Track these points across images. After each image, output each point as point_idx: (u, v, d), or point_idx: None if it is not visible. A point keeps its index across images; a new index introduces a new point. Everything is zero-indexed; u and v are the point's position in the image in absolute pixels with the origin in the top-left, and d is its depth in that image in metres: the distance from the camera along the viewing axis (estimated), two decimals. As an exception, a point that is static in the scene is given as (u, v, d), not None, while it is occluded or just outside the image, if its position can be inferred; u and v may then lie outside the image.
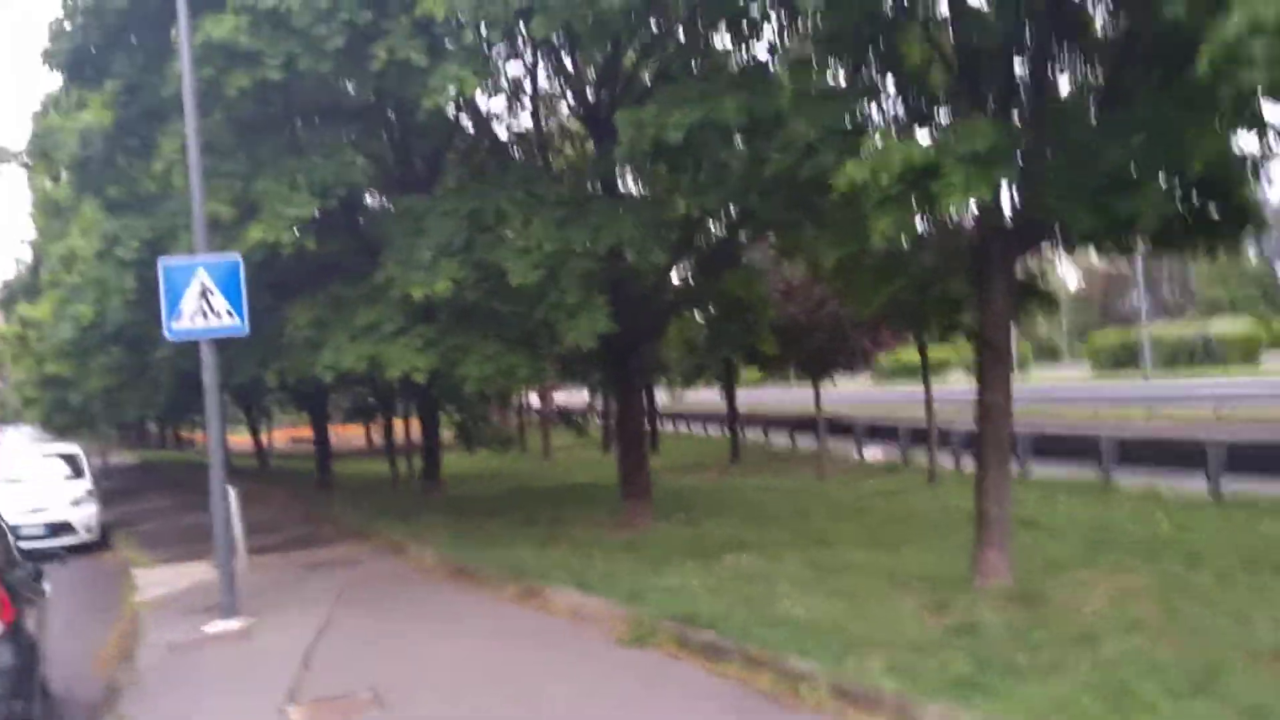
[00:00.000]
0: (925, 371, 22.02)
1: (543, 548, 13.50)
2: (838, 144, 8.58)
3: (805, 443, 32.83)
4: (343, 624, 9.70)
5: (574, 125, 18.05)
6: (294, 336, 13.30)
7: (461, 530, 15.37)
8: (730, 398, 32.60)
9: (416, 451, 33.48)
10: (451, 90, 10.84)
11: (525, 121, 17.66)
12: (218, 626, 10.06)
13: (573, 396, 56.90)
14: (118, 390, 21.73)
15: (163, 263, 10.30)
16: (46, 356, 18.38)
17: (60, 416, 30.61)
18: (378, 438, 51.50)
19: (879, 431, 29.21)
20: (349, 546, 14.91)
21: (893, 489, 20.80)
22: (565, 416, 35.41)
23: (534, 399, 49.22)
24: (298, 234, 11.70)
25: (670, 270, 14.90)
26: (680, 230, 13.45)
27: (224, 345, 11.00)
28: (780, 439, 35.17)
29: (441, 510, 18.66)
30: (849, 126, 8.70)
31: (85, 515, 18.05)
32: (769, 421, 36.72)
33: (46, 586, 8.52)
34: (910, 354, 34.64)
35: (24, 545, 17.70)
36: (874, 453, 28.95)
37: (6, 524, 8.29)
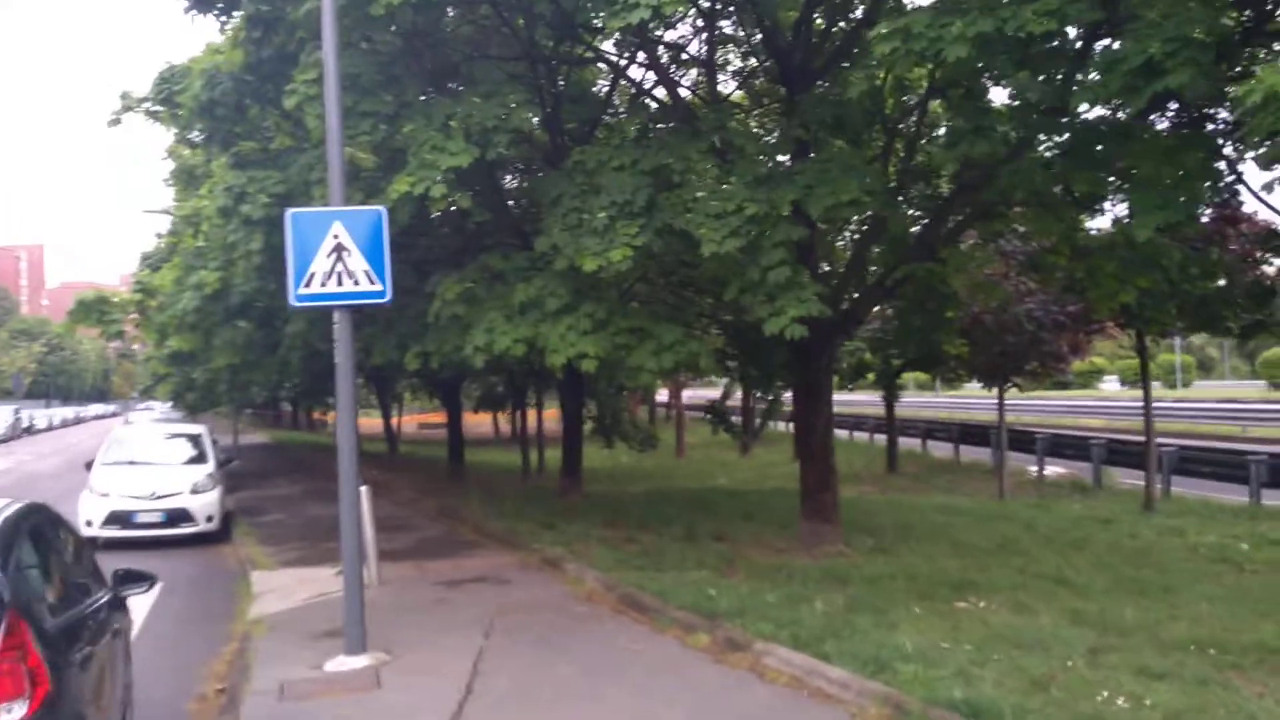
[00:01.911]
0: (1145, 378, 18.98)
1: (720, 574, 11.32)
2: (1197, 56, 6.11)
3: (970, 454, 30.00)
4: (498, 675, 7.62)
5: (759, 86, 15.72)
6: (440, 314, 11.33)
7: (617, 544, 13.29)
8: (889, 402, 29.84)
9: (548, 443, 31.99)
10: (645, 11, 8.59)
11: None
12: (342, 665, 8.11)
13: (698, 391, 54.74)
14: (245, 369, 20.26)
15: (291, 214, 8.36)
16: (169, 329, 16.95)
17: (190, 395, 29.65)
18: (504, 426, 50.74)
19: (1062, 445, 26.16)
20: (493, 557, 12.93)
21: (1101, 515, 18.06)
22: (717, 414, 33.10)
23: (662, 392, 47.45)
24: (450, 189, 9.65)
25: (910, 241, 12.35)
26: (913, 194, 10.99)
27: (360, 322, 9.08)
28: (939, 449, 32.29)
29: (586, 515, 16.66)
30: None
31: (206, 503, 16.57)
32: (930, 429, 33.74)
33: (148, 590, 6.68)
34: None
35: (139, 534, 16.53)
36: (1053, 469, 25.95)
37: (73, 535, 6.38)
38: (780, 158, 11.04)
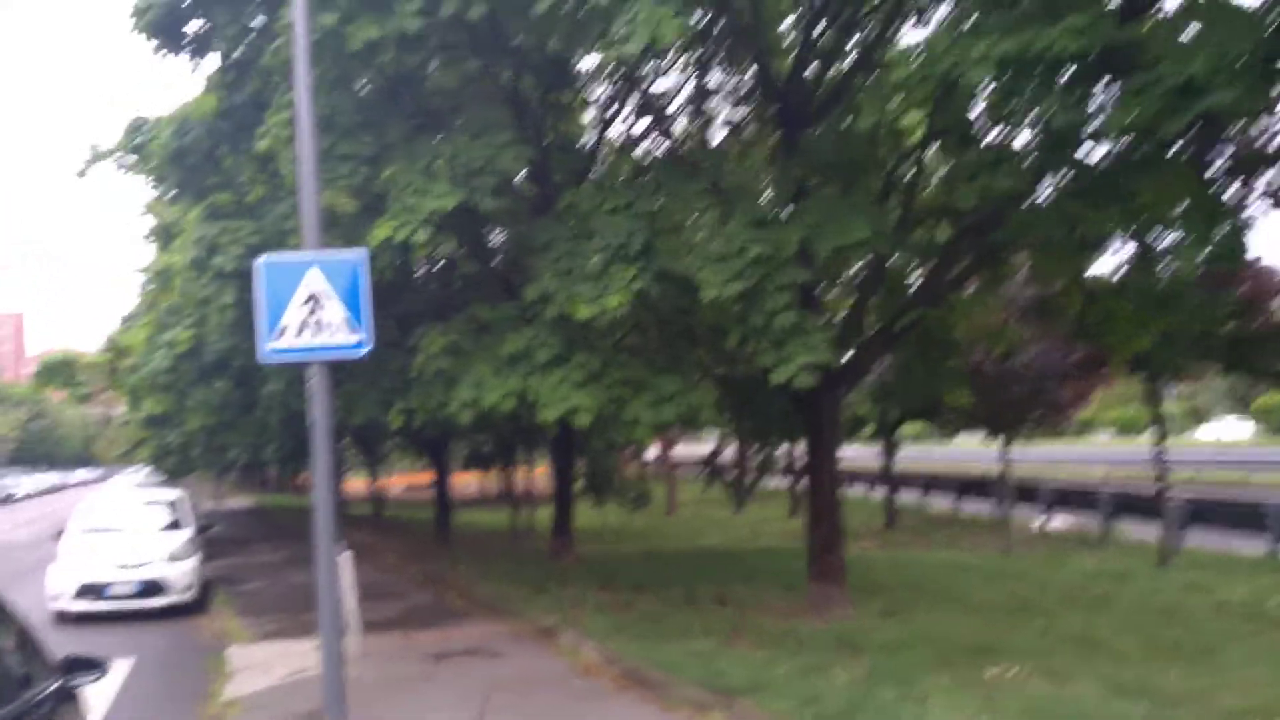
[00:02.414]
0: (1161, 424, 18.39)
1: (728, 643, 10.60)
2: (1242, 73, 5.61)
3: (970, 507, 29.32)
4: (489, 764, 6.90)
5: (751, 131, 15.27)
6: (425, 369, 10.71)
7: (614, 610, 12.57)
8: (887, 455, 29.18)
9: (537, 502, 31.18)
10: (639, 42, 8.07)
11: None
12: (319, 757, 7.36)
13: (688, 447, 53.81)
14: (221, 430, 19.45)
15: (262, 262, 7.75)
16: (141, 390, 16.17)
17: (170, 459, 28.77)
18: (490, 485, 49.77)
19: (1067, 497, 25.52)
20: (483, 627, 12.16)
21: (1115, 570, 17.32)
22: (713, 469, 32.41)
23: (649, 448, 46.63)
24: (434, 235, 9.07)
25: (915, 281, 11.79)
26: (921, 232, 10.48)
27: (340, 379, 8.42)
28: (938, 502, 31.60)
29: (581, 578, 15.92)
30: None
31: (182, 572, 15.74)
32: (929, 483, 33.04)
33: (99, 679, 5.94)
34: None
35: (112, 606, 15.67)
36: (1058, 522, 25.28)
37: (13, 619, 5.66)
38: (773, 201, 10.49)
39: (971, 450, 59.41)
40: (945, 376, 16.50)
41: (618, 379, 9.94)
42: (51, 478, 79.95)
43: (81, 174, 12.85)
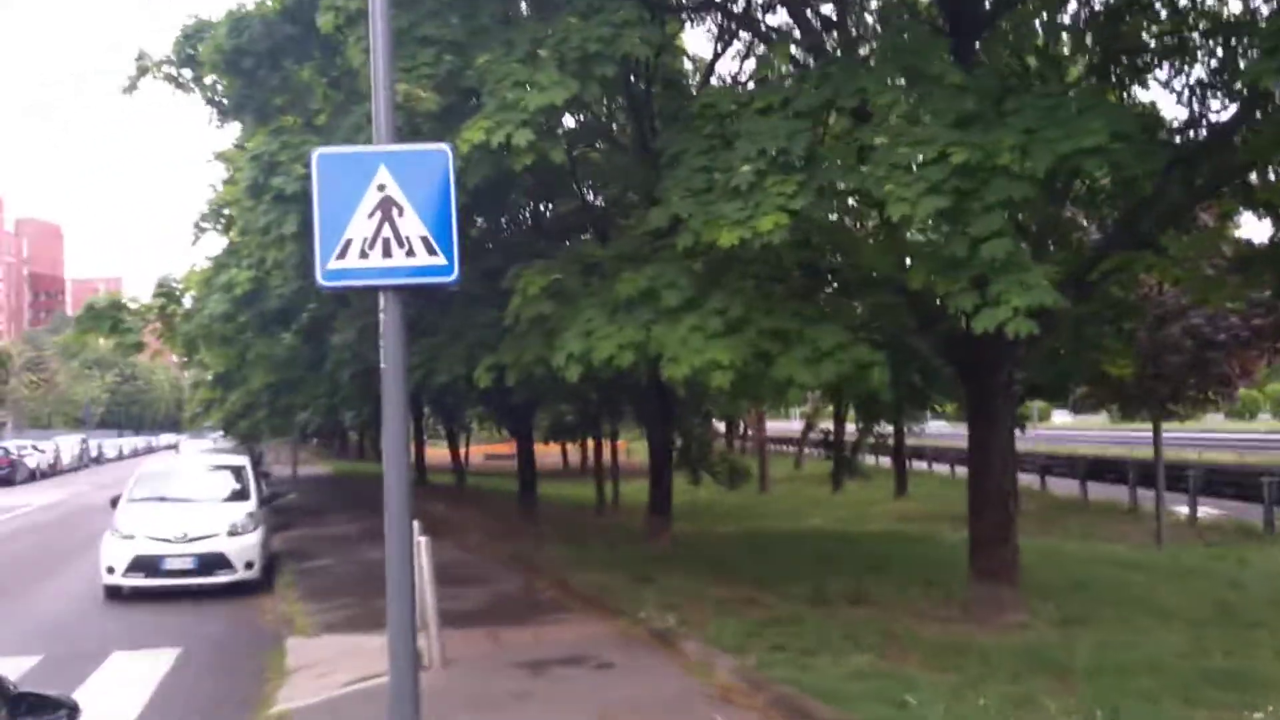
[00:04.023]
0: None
1: (889, 659, 8.55)
2: None
3: (1098, 492, 26.69)
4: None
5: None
6: (521, 315, 8.77)
7: (737, 608, 10.62)
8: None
9: (625, 477, 29.44)
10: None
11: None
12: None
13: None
14: (286, 389, 17.67)
15: (318, 155, 5.83)
16: (196, 340, 14.45)
17: (244, 422, 27.14)
18: (571, 457, 48.13)
19: (1220, 481, 22.84)
20: (584, 626, 10.25)
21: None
22: (832, 446, 30.48)
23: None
24: (540, 137, 7.09)
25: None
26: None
27: (418, 333, 6.46)
28: (1057, 485, 28.98)
29: (685, 565, 14.04)
30: None
31: (244, 547, 14.16)
32: (1047, 465, 30.37)
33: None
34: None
35: (168, 583, 14.15)
36: (1208, 510, 22.62)
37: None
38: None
39: (1063, 430, 55.98)
40: (1118, 341, 14.20)
41: (765, 329, 7.88)
42: (139, 440, 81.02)
43: (130, 89, 11.17)
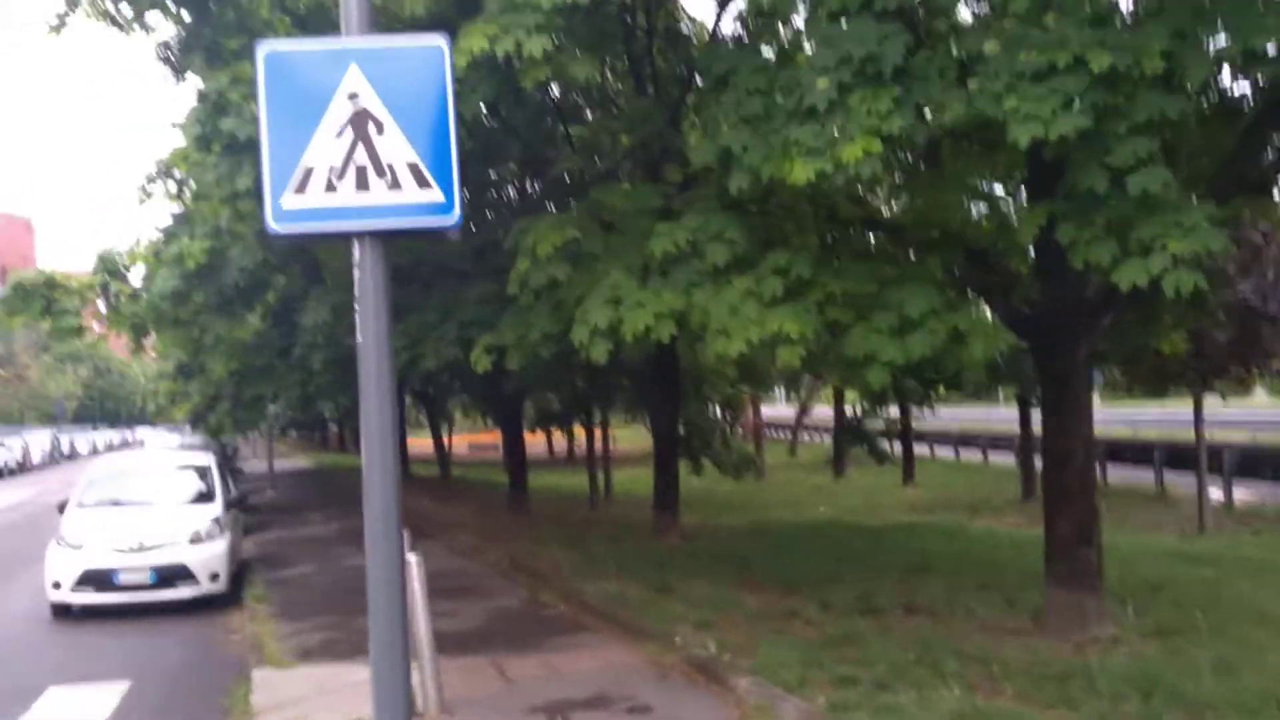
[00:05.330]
0: None
1: (980, 691, 7.07)
2: None
3: (1118, 475, 25.35)
4: None
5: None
6: (529, 281, 7.19)
7: (781, 624, 9.15)
8: (1024, 415, 25.27)
9: (615, 466, 27.96)
10: None
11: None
12: None
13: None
14: (252, 378, 15.87)
15: (264, 51, 4.23)
16: (144, 321, 12.64)
17: (213, 417, 25.23)
18: (557, 445, 46.45)
19: (1259, 462, 21.54)
20: (605, 652, 8.69)
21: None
22: (860, 435, 29.21)
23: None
24: (559, 41, 5.51)
25: None
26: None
27: (401, 311, 4.88)
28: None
29: (704, 567, 12.63)
30: None
31: (209, 556, 12.55)
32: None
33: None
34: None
35: (122, 598, 12.46)
36: (1243, 494, 21.31)
37: None
38: None
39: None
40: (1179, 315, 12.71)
41: (835, 293, 6.33)
42: (113, 435, 79.22)
43: (57, 28, 9.44)
